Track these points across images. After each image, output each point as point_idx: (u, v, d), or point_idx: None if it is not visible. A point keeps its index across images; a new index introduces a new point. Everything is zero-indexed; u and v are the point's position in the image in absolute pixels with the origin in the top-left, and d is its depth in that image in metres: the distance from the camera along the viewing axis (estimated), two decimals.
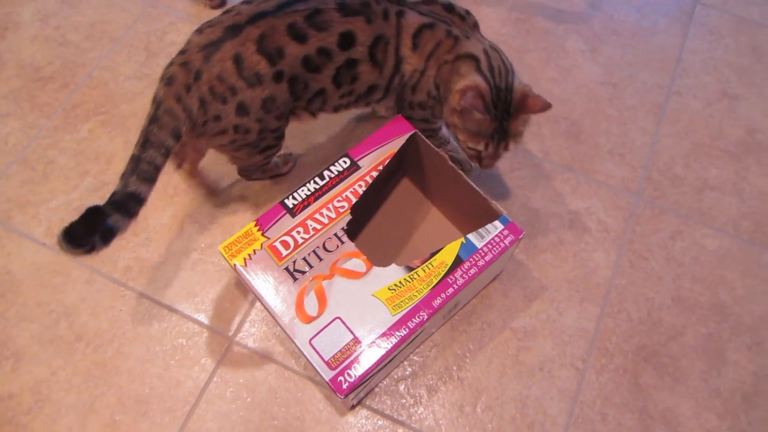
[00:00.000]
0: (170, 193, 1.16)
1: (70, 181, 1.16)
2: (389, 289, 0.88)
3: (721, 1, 1.47)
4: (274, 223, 0.92)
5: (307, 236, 0.91)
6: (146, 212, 1.12)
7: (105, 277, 1.08)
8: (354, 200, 0.94)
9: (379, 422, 0.99)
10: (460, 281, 0.89)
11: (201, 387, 1.00)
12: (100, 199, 1.13)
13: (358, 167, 0.96)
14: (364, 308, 0.86)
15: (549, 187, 1.20)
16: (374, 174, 0.96)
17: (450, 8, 0.97)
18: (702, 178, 1.23)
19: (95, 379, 1.00)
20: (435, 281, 0.88)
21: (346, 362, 0.84)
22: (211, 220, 1.14)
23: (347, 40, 0.91)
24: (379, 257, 0.94)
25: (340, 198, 0.94)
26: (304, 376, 1.01)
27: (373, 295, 0.87)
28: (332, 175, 0.96)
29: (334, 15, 0.90)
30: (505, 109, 0.93)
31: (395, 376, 1.01)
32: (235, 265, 0.89)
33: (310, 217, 0.92)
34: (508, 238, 0.92)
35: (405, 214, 1.12)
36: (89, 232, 0.82)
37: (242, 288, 1.08)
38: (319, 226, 0.92)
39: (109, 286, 1.08)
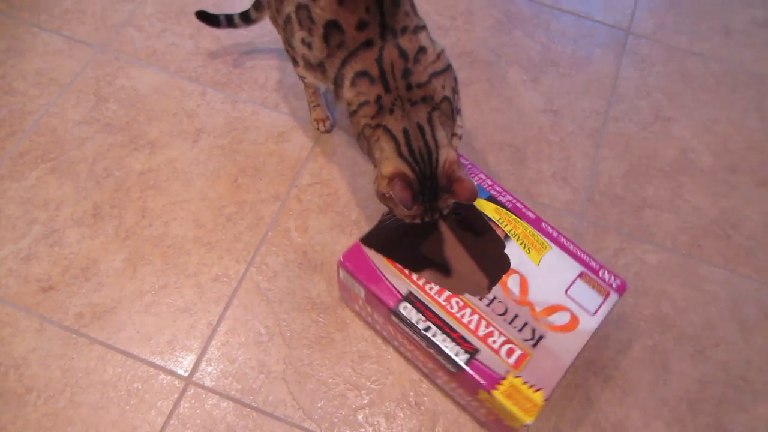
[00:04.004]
0: (122, 237, 1.16)
1: (17, 230, 1.15)
2: None
3: (651, 31, 1.56)
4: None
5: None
6: (97, 256, 1.13)
7: (56, 325, 1.07)
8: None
9: None
10: None
11: (158, 431, 0.99)
12: (49, 246, 1.13)
13: None
14: None
15: None
16: None
17: (406, 73, 0.94)
18: (640, 197, 1.29)
19: (47, 431, 0.98)
20: None
21: None
22: (165, 261, 1.14)
23: None
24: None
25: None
26: (262, 413, 1.01)
27: None
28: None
29: None
30: (433, 191, 0.92)
31: (353, 405, 1.02)
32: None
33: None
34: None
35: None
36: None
37: (198, 327, 1.08)
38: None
39: (61, 334, 1.06)
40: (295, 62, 1.10)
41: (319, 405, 1.02)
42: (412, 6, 0.99)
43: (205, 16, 1.32)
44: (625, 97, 1.44)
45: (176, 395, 1.02)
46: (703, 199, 1.30)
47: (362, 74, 0.95)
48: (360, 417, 1.02)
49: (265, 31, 1.44)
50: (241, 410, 1.01)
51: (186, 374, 1.04)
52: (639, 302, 1.16)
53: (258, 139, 1.29)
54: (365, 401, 1.03)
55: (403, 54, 0.94)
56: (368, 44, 0.94)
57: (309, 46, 1.00)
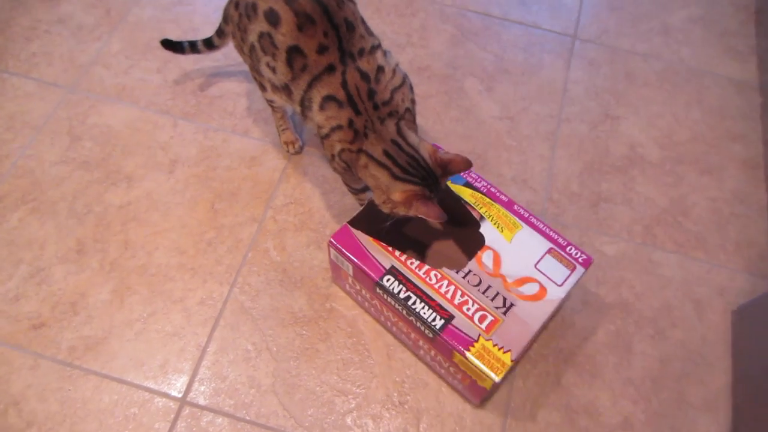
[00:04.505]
0: (107, 269, 1.20)
1: (3, 272, 1.19)
2: None
3: (596, 35, 1.65)
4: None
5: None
6: (84, 290, 1.17)
7: (49, 360, 1.11)
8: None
9: None
10: None
11: None
12: (37, 285, 1.17)
13: None
14: None
15: None
16: None
17: (371, 94, 1.01)
18: (596, 193, 1.38)
19: None
20: None
21: None
22: (150, 290, 1.19)
23: (273, 17, 1.00)
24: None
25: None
26: (255, 425, 1.07)
27: None
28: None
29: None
30: (435, 182, 1.00)
31: (341, 410, 1.09)
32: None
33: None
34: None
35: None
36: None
37: (188, 349, 1.13)
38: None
39: (55, 368, 1.11)
40: (262, 87, 1.17)
41: (309, 413, 1.08)
42: (366, 28, 1.06)
43: (169, 44, 1.38)
44: (576, 100, 1.53)
45: (172, 416, 1.07)
46: (654, 190, 1.39)
47: (330, 98, 1.02)
48: (348, 420, 1.08)
49: (230, 60, 1.50)
50: (236, 424, 1.07)
51: (180, 395, 1.09)
52: (600, 291, 1.24)
53: (231, 165, 1.35)
54: (352, 405, 1.09)
55: (364, 76, 1.01)
56: (331, 69, 1.01)
57: (273, 70, 1.06)
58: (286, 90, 1.08)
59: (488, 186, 1.15)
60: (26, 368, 1.10)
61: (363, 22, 1.06)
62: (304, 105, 1.06)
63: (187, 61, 1.49)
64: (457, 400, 1.11)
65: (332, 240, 1.06)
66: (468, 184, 1.15)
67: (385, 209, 1.04)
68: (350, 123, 1.01)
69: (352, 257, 1.05)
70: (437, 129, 1.44)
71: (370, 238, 1.06)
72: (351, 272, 1.08)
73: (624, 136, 1.47)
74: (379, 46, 1.06)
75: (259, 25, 1.02)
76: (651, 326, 1.21)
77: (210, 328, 1.16)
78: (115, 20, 1.55)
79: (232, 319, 1.17)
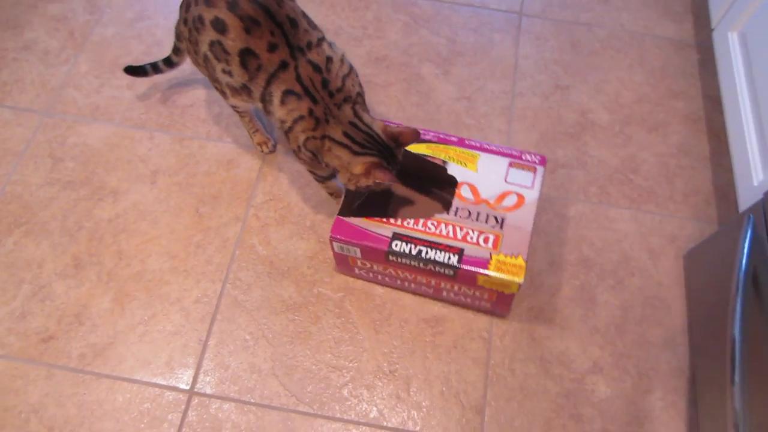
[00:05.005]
0: (105, 280, 1.28)
1: (7, 293, 1.27)
2: None
3: (540, 9, 1.75)
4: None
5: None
6: (86, 301, 1.25)
7: (62, 369, 1.20)
8: None
9: (333, 426, 1.15)
10: None
11: None
12: (40, 301, 1.25)
13: None
14: None
15: None
16: None
17: (325, 83, 1.10)
18: (552, 160, 1.48)
19: None
20: None
21: None
22: (149, 295, 1.27)
23: (220, 25, 1.08)
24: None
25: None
26: (260, 406, 1.17)
27: None
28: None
29: (221, 4, 1.07)
30: (391, 154, 1.11)
31: (337, 384, 1.19)
32: None
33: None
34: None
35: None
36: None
37: (191, 345, 1.22)
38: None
39: (68, 375, 1.19)
40: (224, 94, 1.24)
41: (308, 390, 1.18)
42: (309, 22, 1.14)
43: (132, 70, 1.43)
44: (527, 74, 1.62)
45: (183, 407, 1.16)
46: (605, 151, 1.50)
47: (289, 93, 1.10)
48: (345, 392, 1.18)
49: (194, 69, 1.56)
50: (242, 408, 1.16)
51: (188, 387, 1.18)
52: (563, 250, 1.36)
53: (210, 170, 1.43)
54: (347, 378, 1.20)
55: (316, 68, 1.10)
56: (284, 66, 1.09)
57: (229, 74, 1.14)
58: (245, 90, 1.16)
59: (437, 134, 1.28)
60: (41, 379, 1.18)
61: (305, 16, 1.14)
62: (266, 100, 1.14)
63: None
64: (442, 363, 1.22)
65: (333, 235, 1.15)
66: (420, 140, 1.28)
67: (351, 186, 1.14)
68: (310, 112, 1.10)
69: (356, 241, 1.15)
70: (399, 116, 1.53)
71: (364, 219, 1.17)
72: (359, 254, 1.18)
73: (574, 104, 1.58)
74: (323, 38, 1.15)
75: (209, 35, 1.10)
76: (611, 277, 1.33)
77: (208, 323, 1.25)
78: (79, 41, 1.61)
79: (228, 313, 1.26)
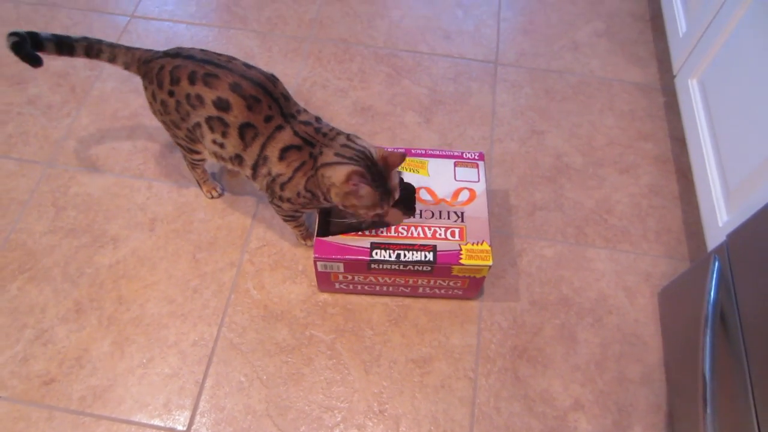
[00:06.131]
0: (105, 324, 1.34)
1: (11, 337, 1.32)
2: None
3: (514, 59, 1.85)
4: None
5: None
6: (87, 345, 1.30)
7: (63, 411, 1.24)
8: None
9: None
10: None
11: None
12: (42, 345, 1.30)
13: None
14: None
15: None
16: None
17: (318, 130, 1.20)
18: (531, 203, 1.57)
19: None
20: None
21: None
22: (147, 338, 1.32)
23: (223, 104, 1.16)
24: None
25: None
26: None
27: None
28: None
29: (223, 85, 1.16)
30: (380, 177, 1.18)
31: (329, 424, 1.24)
32: None
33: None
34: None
35: None
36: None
37: (187, 387, 1.27)
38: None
39: (69, 418, 1.23)
40: (194, 152, 1.32)
41: (301, 430, 1.23)
42: (292, 98, 1.25)
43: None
44: (504, 120, 1.72)
45: None
46: (581, 193, 1.59)
47: (288, 148, 1.19)
48: None
49: None
50: None
51: (185, 429, 1.23)
52: (544, 290, 1.43)
53: (206, 217, 1.50)
54: (339, 419, 1.25)
55: (308, 124, 1.21)
56: (279, 128, 1.19)
57: (221, 145, 1.23)
58: (237, 158, 1.24)
59: (384, 149, 1.35)
60: (43, 421, 1.23)
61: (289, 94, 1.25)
62: (258, 164, 1.22)
63: (153, 126, 1.63)
64: (430, 402, 1.27)
65: (316, 256, 1.24)
66: None
67: (339, 203, 1.19)
68: (311, 155, 1.19)
69: (339, 257, 1.24)
70: None
71: (341, 235, 1.26)
72: (342, 269, 1.28)
73: (550, 148, 1.67)
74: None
75: (207, 111, 1.19)
76: (590, 316, 1.40)
77: (205, 365, 1.30)
78: (80, 96, 1.69)
79: (224, 355, 1.31)
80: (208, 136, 1.23)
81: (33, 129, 1.62)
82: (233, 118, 1.17)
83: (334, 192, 1.18)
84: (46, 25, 1.82)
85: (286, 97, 1.22)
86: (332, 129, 1.22)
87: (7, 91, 1.68)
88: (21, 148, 1.59)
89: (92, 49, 1.29)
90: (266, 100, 1.18)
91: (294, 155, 1.19)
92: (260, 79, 1.19)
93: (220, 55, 1.22)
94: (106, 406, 1.25)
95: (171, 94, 1.21)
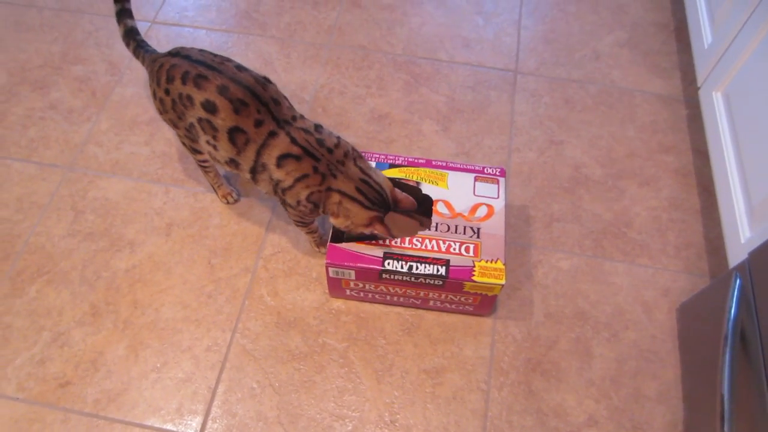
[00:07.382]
0: (120, 328, 1.35)
1: (28, 339, 1.33)
2: None
3: (534, 68, 1.84)
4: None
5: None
6: (102, 348, 1.32)
7: (78, 414, 1.25)
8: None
9: None
10: None
11: None
12: (59, 348, 1.31)
13: None
14: None
15: None
16: None
17: (320, 142, 1.18)
18: (548, 214, 1.55)
19: None
20: None
21: None
22: (161, 342, 1.33)
23: (210, 106, 1.16)
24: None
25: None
26: None
27: None
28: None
29: (211, 87, 1.16)
30: (388, 208, 1.20)
31: None
32: None
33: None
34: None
35: None
36: None
37: (200, 392, 1.28)
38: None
39: (83, 420, 1.25)
40: (197, 152, 1.34)
41: None
42: (290, 103, 1.24)
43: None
44: (522, 130, 1.70)
45: None
46: (599, 205, 1.57)
47: (285, 156, 1.18)
48: None
49: None
50: None
51: None
52: (559, 303, 1.41)
53: (221, 223, 1.51)
54: (350, 428, 1.24)
55: (307, 131, 1.19)
56: (272, 134, 1.18)
57: (215, 147, 1.23)
58: (233, 163, 1.24)
59: (406, 159, 1.40)
60: (58, 422, 1.24)
61: (286, 98, 1.24)
62: (257, 171, 1.22)
63: (171, 131, 1.64)
64: (441, 413, 1.26)
65: (328, 261, 1.24)
66: (392, 165, 1.40)
67: (344, 229, 1.23)
68: (315, 169, 1.18)
69: (351, 264, 1.24)
70: None
71: (355, 243, 1.26)
72: (354, 276, 1.27)
73: (569, 158, 1.65)
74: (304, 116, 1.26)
75: (197, 113, 1.19)
76: (606, 330, 1.38)
77: (218, 371, 1.30)
78: (101, 101, 1.71)
79: (237, 362, 1.32)
80: (202, 137, 1.23)
81: (54, 133, 1.65)
82: (221, 121, 1.17)
83: (342, 221, 1.21)
84: (70, 31, 1.84)
85: (277, 101, 1.19)
86: (336, 144, 1.20)
87: (30, 95, 1.71)
88: (42, 152, 1.61)
89: (129, 37, 1.38)
90: (254, 104, 1.16)
91: (292, 165, 1.18)
92: (249, 83, 1.17)
93: (215, 56, 1.21)
94: (120, 409, 1.26)
95: (167, 92, 1.22)
